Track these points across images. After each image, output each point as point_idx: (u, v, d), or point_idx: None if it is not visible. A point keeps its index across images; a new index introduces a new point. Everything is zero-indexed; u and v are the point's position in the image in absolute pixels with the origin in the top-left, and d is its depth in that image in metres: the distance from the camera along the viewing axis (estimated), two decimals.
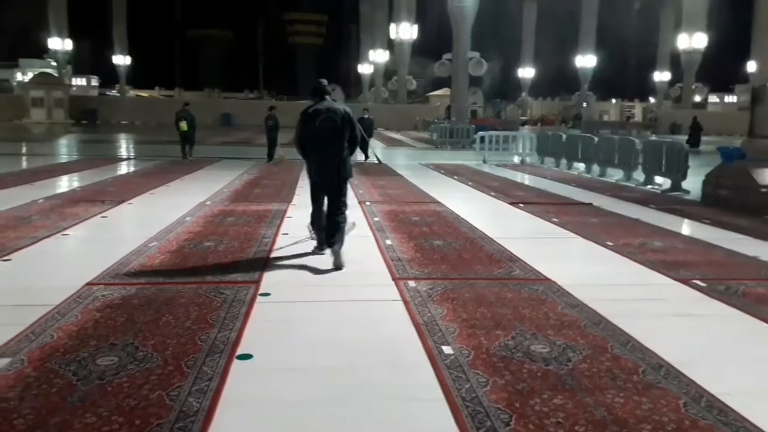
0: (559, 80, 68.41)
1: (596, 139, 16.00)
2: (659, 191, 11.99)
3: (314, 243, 6.13)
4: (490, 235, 7.07)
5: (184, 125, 15.71)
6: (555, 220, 8.31)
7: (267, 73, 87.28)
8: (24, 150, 20.80)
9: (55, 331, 3.79)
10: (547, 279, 5.27)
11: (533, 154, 18.75)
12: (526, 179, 14.06)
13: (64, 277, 5.01)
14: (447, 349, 3.65)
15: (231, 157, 17.78)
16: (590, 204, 9.96)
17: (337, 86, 79.04)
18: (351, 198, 8.43)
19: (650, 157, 13.03)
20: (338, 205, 5.73)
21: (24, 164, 15.64)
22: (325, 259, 5.73)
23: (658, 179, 12.73)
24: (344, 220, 5.77)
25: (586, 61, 54.63)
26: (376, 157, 17.39)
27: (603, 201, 10.31)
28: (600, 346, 3.77)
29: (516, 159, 19.19)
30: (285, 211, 8.51)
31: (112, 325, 3.93)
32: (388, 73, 57.10)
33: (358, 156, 17.19)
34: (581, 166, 15.92)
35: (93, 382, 3.10)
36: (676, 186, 11.81)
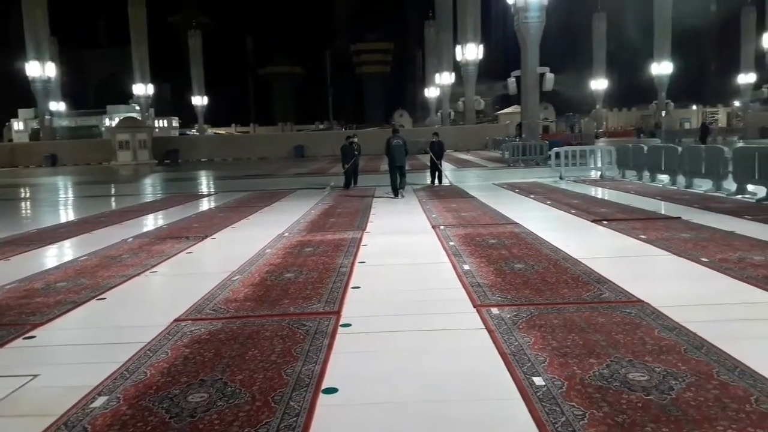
0: (634, 89, 66.17)
1: (680, 148, 15.26)
2: (754, 200, 11.22)
3: (391, 197, 13.97)
4: (574, 256, 6.80)
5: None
6: (642, 236, 7.91)
7: (336, 103, 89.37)
8: (113, 191, 22.12)
9: (147, 368, 3.91)
10: (639, 301, 4.99)
11: (613, 167, 18.08)
12: (608, 194, 13.53)
13: (154, 314, 5.20)
14: (538, 380, 3.48)
15: (305, 187, 18.20)
16: (679, 218, 9.44)
17: (404, 112, 79.74)
18: (424, 222, 10.24)
19: (741, 165, 12.26)
20: (404, 175, 14.60)
21: (113, 205, 16.58)
22: (403, 289, 5.79)
23: (751, 187, 11.94)
24: (405, 182, 14.81)
25: (662, 68, 52.73)
26: (441, 179, 17.35)
27: (692, 214, 9.75)
28: (704, 372, 3.51)
29: (594, 174, 18.57)
30: (360, 239, 8.54)
31: (200, 360, 4.02)
32: (454, 95, 57.10)
33: (427, 180, 17.38)
34: (665, 177, 15.20)
35: (185, 420, 3.16)
36: None
